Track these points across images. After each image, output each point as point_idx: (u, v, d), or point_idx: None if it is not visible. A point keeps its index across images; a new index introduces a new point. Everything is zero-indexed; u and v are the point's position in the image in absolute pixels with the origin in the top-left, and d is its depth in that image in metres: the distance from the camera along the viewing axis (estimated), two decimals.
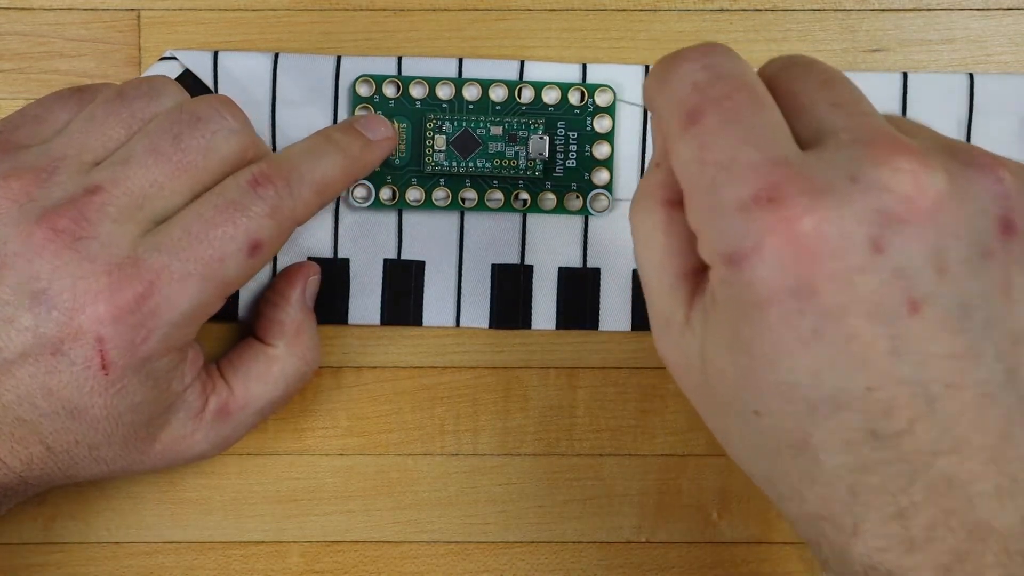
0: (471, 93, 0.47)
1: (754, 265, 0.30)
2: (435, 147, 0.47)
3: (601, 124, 0.47)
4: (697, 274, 0.34)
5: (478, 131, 0.47)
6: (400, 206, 0.47)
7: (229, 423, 0.43)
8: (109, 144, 0.41)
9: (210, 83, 0.47)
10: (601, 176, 0.47)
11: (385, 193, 0.47)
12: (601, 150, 0.47)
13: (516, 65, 0.47)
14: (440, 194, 0.47)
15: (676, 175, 0.33)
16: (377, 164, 0.45)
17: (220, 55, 0.47)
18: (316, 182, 0.42)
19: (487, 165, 0.47)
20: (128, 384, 0.39)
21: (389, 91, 0.47)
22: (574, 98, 0.47)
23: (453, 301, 0.48)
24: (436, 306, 0.48)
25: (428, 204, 0.47)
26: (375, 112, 0.47)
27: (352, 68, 0.47)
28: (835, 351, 0.30)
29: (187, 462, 0.43)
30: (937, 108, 0.47)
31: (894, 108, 0.47)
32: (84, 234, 0.38)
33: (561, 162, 0.47)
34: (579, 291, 0.48)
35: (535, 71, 0.47)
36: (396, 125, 0.47)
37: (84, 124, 0.41)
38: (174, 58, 0.47)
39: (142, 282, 0.38)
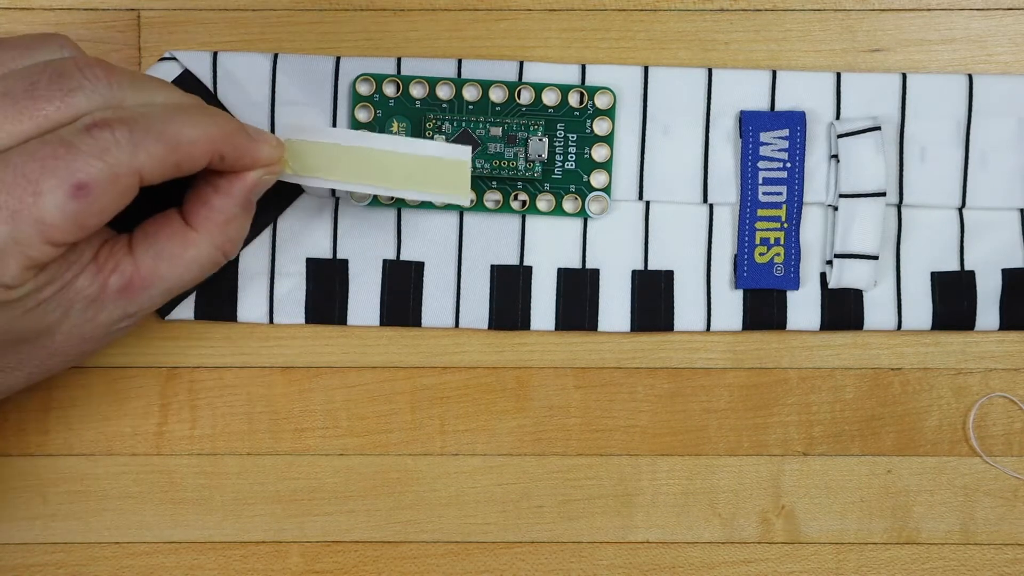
0: (471, 93, 0.47)
1: None
2: None
3: (601, 127, 0.47)
4: None
5: (477, 132, 0.47)
6: (399, 205, 0.47)
7: (134, 300, 0.42)
8: None
9: (209, 83, 0.47)
10: (600, 179, 0.47)
11: None
12: (600, 152, 0.47)
13: (515, 66, 0.47)
14: None
15: None
16: (253, 161, 0.42)
17: (220, 55, 0.47)
18: (169, 137, 0.39)
19: (486, 166, 0.47)
20: None
21: (389, 90, 0.47)
22: (574, 100, 0.47)
23: (452, 302, 0.48)
24: (435, 307, 0.48)
25: (427, 204, 0.47)
26: (375, 111, 0.47)
27: (351, 68, 0.47)
28: None
29: (99, 342, 0.42)
30: (936, 108, 0.47)
31: (893, 108, 0.47)
32: None
33: (560, 164, 0.47)
34: (578, 292, 0.48)
35: (534, 72, 0.47)
36: (396, 125, 0.47)
37: None
38: (174, 58, 0.47)
39: None
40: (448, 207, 0.47)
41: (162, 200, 0.43)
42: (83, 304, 0.40)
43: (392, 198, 0.47)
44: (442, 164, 0.43)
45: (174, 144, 0.39)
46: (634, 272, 0.48)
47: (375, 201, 0.47)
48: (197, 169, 0.40)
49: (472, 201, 0.47)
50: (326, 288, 0.47)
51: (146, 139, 0.39)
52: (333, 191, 0.47)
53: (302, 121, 0.46)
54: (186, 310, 0.47)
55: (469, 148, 0.44)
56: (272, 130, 0.47)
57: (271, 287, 0.47)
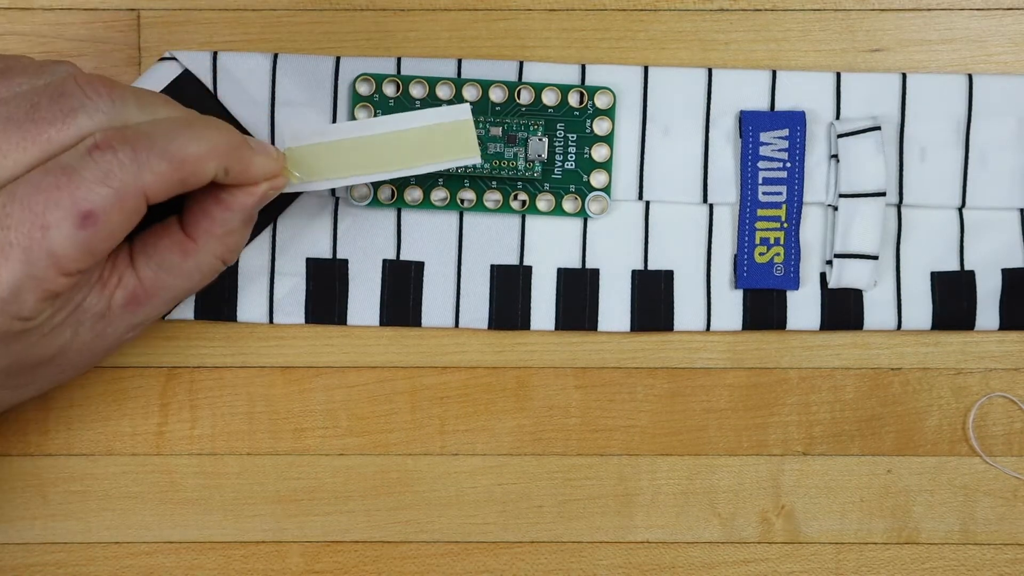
0: (470, 93, 0.47)
1: None
2: None
3: (600, 126, 0.47)
4: None
5: (477, 132, 0.47)
6: (399, 205, 0.47)
7: (140, 312, 0.42)
8: None
9: (209, 83, 0.47)
10: (599, 179, 0.47)
11: (384, 192, 0.47)
12: (600, 152, 0.47)
13: (515, 66, 0.47)
14: (439, 194, 0.47)
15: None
16: (257, 174, 0.41)
17: (220, 55, 0.47)
18: (173, 154, 0.39)
19: (486, 166, 0.47)
20: None
21: (389, 90, 0.47)
22: (574, 100, 0.47)
23: (452, 302, 0.48)
24: (435, 306, 0.48)
25: (427, 204, 0.47)
26: (375, 111, 0.47)
27: (351, 68, 0.47)
28: None
29: (108, 352, 0.42)
30: (936, 108, 0.47)
31: (893, 108, 0.47)
32: None
33: (560, 164, 0.47)
34: (578, 292, 0.48)
35: (534, 72, 0.47)
36: None
37: None
38: (174, 58, 0.47)
39: None
40: (448, 206, 0.47)
41: (161, 207, 0.42)
42: (91, 321, 0.41)
43: (393, 196, 0.47)
44: (446, 129, 0.43)
45: (179, 161, 0.39)
46: (634, 272, 0.48)
47: (375, 201, 0.47)
48: (202, 184, 0.40)
49: (472, 201, 0.47)
50: (326, 288, 0.47)
51: (150, 158, 0.38)
52: (333, 190, 0.47)
53: (300, 126, 0.46)
54: (186, 310, 0.47)
55: (468, 106, 0.44)
56: (272, 132, 0.47)
57: (271, 287, 0.47)
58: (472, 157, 0.43)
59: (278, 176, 0.42)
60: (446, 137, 0.43)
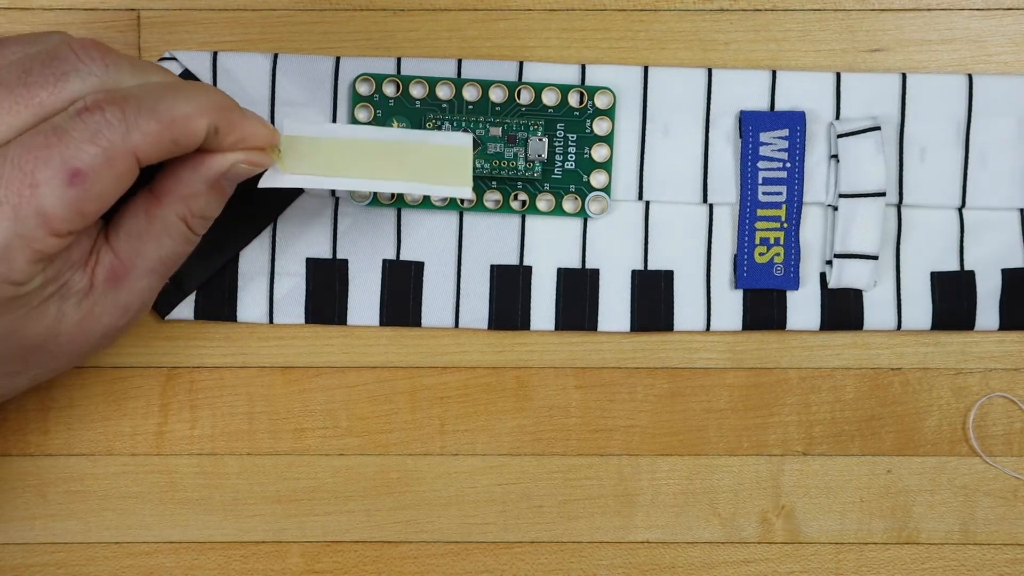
0: (470, 94, 0.47)
1: None
2: None
3: (600, 127, 0.47)
4: None
5: (477, 132, 0.47)
6: (399, 205, 0.47)
7: (122, 288, 0.41)
8: None
9: (209, 84, 0.47)
10: (599, 179, 0.47)
11: (384, 192, 0.47)
12: (600, 152, 0.47)
13: (515, 66, 0.47)
14: None
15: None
16: (246, 136, 0.41)
17: (220, 55, 0.47)
18: (163, 113, 0.38)
19: (486, 166, 0.47)
20: None
21: (389, 90, 0.47)
22: (574, 100, 0.47)
23: (452, 302, 0.48)
24: (435, 306, 0.48)
25: (427, 204, 0.47)
26: (375, 111, 0.47)
27: (351, 68, 0.47)
28: None
29: (102, 340, 0.42)
30: (936, 108, 0.47)
31: (893, 108, 0.47)
32: None
33: (560, 164, 0.47)
34: (578, 292, 0.48)
35: (534, 72, 0.47)
36: (396, 125, 0.47)
37: None
38: (174, 58, 0.47)
39: None
40: (448, 206, 0.47)
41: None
42: (76, 300, 0.40)
43: (393, 196, 0.47)
44: (443, 154, 0.43)
45: (168, 120, 0.39)
46: (634, 272, 0.48)
47: (375, 201, 0.47)
48: (195, 145, 0.40)
49: (472, 201, 0.47)
50: (326, 288, 0.47)
51: (139, 118, 0.38)
52: (333, 190, 0.47)
53: (298, 117, 0.46)
54: (186, 310, 0.47)
55: (470, 136, 0.43)
56: None
57: (271, 287, 0.47)
58: (463, 189, 0.43)
59: (263, 149, 0.41)
60: (442, 161, 0.43)
